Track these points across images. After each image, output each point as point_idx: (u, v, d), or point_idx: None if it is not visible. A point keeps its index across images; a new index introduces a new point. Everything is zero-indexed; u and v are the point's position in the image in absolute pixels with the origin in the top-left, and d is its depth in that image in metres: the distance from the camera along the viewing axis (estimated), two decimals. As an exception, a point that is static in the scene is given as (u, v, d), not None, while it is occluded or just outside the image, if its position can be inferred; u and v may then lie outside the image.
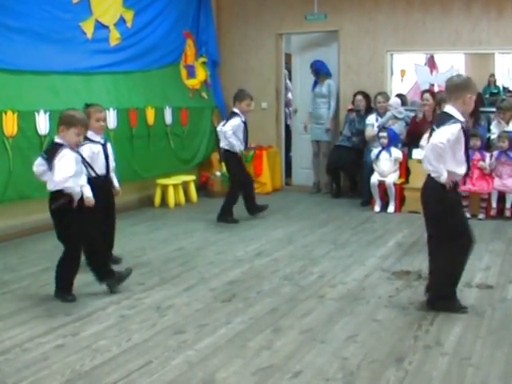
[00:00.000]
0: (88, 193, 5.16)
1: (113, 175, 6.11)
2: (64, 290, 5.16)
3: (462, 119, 4.60)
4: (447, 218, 4.66)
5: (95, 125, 5.79)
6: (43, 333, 4.39)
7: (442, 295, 4.78)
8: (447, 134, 4.51)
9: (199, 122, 10.39)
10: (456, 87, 4.68)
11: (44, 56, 7.48)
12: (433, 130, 4.73)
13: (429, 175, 4.72)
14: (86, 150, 5.66)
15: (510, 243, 6.96)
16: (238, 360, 3.93)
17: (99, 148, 5.86)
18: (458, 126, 4.54)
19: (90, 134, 5.72)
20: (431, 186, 4.71)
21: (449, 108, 4.67)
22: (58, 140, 5.05)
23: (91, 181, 5.40)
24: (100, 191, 5.52)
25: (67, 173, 4.90)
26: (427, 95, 9.07)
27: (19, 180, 7.00)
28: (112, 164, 6.04)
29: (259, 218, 8.33)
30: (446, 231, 4.68)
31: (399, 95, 10.04)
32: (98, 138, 5.87)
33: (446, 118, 4.61)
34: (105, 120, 6.13)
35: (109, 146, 6.05)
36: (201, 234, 7.53)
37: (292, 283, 5.57)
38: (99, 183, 5.64)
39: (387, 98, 9.50)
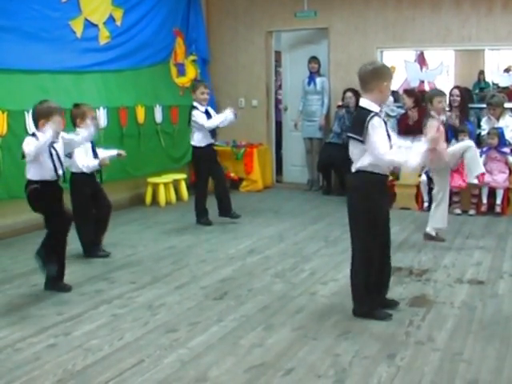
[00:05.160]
0: None
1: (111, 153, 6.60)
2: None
3: (377, 110, 4.43)
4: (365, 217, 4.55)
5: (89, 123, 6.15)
6: (35, 333, 4.38)
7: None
8: (377, 136, 4.33)
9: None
10: (371, 76, 4.45)
11: (33, 55, 7.45)
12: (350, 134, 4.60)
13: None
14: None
15: (500, 239, 6.99)
16: (230, 358, 3.93)
17: (89, 144, 6.26)
18: (376, 119, 4.36)
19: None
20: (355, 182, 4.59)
21: (363, 101, 4.49)
22: (36, 133, 5.20)
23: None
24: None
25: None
26: (404, 95, 9.17)
27: (9, 179, 6.98)
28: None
29: (249, 216, 8.34)
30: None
31: (392, 92, 10.04)
32: None
33: (362, 115, 4.41)
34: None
35: None
36: (192, 232, 7.53)
37: (283, 280, 5.58)
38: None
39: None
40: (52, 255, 5.21)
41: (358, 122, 4.46)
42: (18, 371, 3.77)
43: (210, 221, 7.94)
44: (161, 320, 4.63)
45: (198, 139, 7.85)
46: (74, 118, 6.24)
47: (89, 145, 6.25)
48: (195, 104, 7.85)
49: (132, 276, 5.77)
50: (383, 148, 4.32)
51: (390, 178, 8.77)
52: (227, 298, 5.11)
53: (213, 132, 7.90)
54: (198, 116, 7.77)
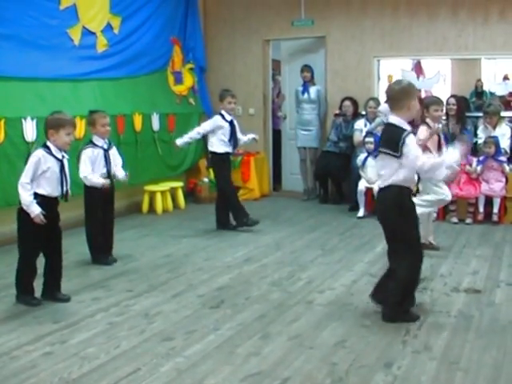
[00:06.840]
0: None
1: (119, 172, 6.54)
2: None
3: (408, 128, 4.54)
4: (405, 225, 4.64)
5: (101, 130, 6.34)
6: (31, 340, 4.37)
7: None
8: (415, 150, 4.48)
9: (187, 128, 10.30)
10: (399, 94, 4.58)
11: (31, 63, 7.44)
12: (379, 146, 4.71)
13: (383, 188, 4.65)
14: (88, 152, 6.22)
15: (497, 248, 7.00)
16: (226, 367, 3.93)
17: (100, 152, 6.30)
18: (411, 136, 4.50)
19: (94, 139, 6.31)
20: (390, 196, 4.61)
21: (394, 118, 4.58)
22: (48, 144, 5.14)
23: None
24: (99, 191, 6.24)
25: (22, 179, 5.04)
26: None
27: (7, 187, 6.95)
28: (117, 165, 6.54)
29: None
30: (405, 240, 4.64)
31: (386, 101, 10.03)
32: (101, 143, 6.33)
33: (397, 132, 4.49)
34: (109, 125, 6.50)
35: (113, 150, 6.51)
36: (189, 241, 7.52)
37: (280, 289, 5.57)
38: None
39: (379, 104, 9.44)
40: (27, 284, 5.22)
41: (391, 138, 4.54)
42: (14, 379, 3.75)
43: (253, 220, 8.01)
44: (157, 328, 4.62)
45: (213, 144, 7.99)
46: (88, 125, 6.51)
47: (101, 156, 6.32)
48: (222, 112, 7.98)
49: (129, 284, 5.76)
50: (421, 159, 4.46)
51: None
52: (224, 307, 5.10)
53: (235, 142, 8.02)
54: (210, 120, 8.05)
